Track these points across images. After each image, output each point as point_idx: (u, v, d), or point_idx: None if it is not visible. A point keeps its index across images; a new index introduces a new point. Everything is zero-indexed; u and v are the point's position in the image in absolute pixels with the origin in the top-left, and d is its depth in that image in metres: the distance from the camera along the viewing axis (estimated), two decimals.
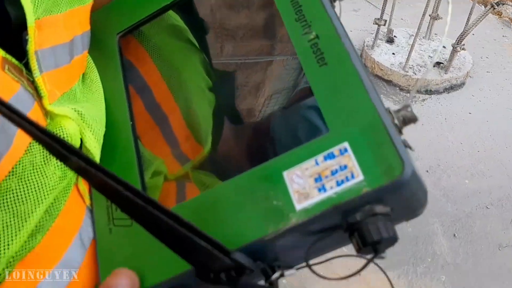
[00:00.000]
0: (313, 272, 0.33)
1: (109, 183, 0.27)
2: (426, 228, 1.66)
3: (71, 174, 0.35)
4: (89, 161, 0.26)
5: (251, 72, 0.46)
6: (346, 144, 0.32)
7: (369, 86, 0.33)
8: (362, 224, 0.30)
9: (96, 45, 0.46)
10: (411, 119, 0.33)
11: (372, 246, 0.30)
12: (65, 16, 0.38)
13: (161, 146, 0.46)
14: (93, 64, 0.44)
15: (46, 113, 0.35)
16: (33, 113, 0.33)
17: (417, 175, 0.30)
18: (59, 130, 0.35)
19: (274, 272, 0.34)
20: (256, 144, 0.42)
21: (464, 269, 1.55)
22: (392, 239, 0.30)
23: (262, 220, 0.32)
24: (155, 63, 0.48)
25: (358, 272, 0.31)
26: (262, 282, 0.34)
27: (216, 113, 0.46)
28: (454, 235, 1.65)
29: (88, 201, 0.38)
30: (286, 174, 0.33)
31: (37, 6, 0.34)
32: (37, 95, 0.34)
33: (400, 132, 0.33)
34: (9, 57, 0.32)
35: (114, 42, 0.46)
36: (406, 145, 0.32)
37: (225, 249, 0.30)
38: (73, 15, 0.39)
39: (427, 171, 1.86)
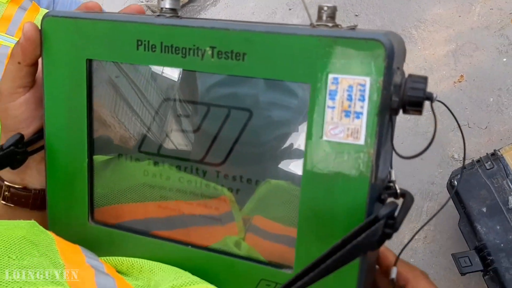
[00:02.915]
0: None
1: None
2: None
3: None
4: None
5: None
6: (331, 75, 0.34)
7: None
8: (405, 96, 0.34)
9: None
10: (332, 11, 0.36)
11: (424, 97, 0.34)
12: None
13: (208, 231, 0.45)
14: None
15: None
16: None
17: (390, 35, 0.34)
18: None
19: (393, 187, 0.38)
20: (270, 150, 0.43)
21: None
22: (426, 79, 0.35)
23: (354, 176, 0.35)
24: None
25: None
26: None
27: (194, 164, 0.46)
28: None
29: None
30: (325, 138, 0.35)
31: None
32: None
33: (337, 25, 0.36)
34: None
35: None
36: (353, 27, 0.35)
37: (372, 220, 0.33)
38: None
39: None
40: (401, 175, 1.56)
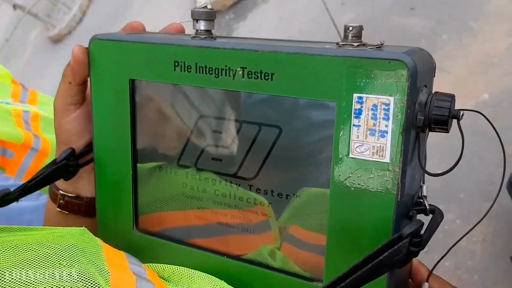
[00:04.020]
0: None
1: None
2: None
3: None
4: None
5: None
6: (355, 95, 0.35)
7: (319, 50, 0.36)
8: (430, 115, 0.34)
9: None
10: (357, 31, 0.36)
11: (450, 116, 0.34)
12: None
13: (244, 240, 0.47)
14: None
15: None
16: None
17: (415, 53, 0.34)
18: None
19: (423, 203, 0.38)
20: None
21: None
22: (453, 97, 0.34)
23: (380, 193, 0.36)
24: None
25: None
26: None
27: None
28: None
29: None
30: (351, 156, 0.36)
31: None
32: None
33: (363, 44, 0.36)
34: None
35: None
36: (380, 45, 0.35)
37: (395, 239, 0.33)
38: None
39: None
40: (459, 175, 1.51)
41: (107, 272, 0.41)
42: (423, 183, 0.40)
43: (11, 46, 3.46)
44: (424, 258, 0.44)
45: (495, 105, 1.61)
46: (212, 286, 0.42)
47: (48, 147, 0.66)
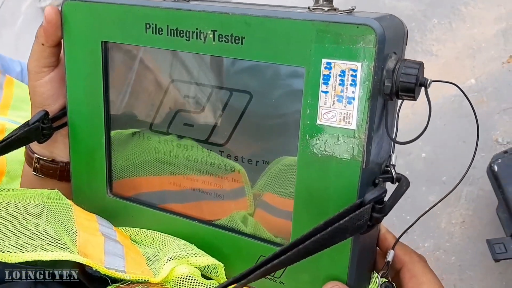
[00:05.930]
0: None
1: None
2: None
3: None
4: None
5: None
6: (324, 60, 0.35)
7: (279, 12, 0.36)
8: (397, 82, 0.34)
9: None
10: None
11: (417, 83, 0.34)
12: None
13: (218, 206, 0.47)
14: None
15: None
16: None
17: (385, 20, 0.34)
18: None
19: (390, 171, 0.38)
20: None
21: None
22: (421, 64, 0.34)
23: (346, 160, 0.36)
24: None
25: None
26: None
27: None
28: None
29: None
30: (319, 122, 0.36)
31: None
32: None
33: (334, 9, 0.36)
34: None
35: None
36: (351, 10, 0.35)
37: (357, 204, 0.34)
38: None
39: None
40: (443, 158, 1.52)
41: (75, 232, 0.41)
42: (393, 152, 0.41)
43: (2, 16, 3.39)
44: (404, 238, 0.44)
45: (481, 90, 1.62)
46: (180, 249, 0.43)
47: (4, 166, 0.64)
